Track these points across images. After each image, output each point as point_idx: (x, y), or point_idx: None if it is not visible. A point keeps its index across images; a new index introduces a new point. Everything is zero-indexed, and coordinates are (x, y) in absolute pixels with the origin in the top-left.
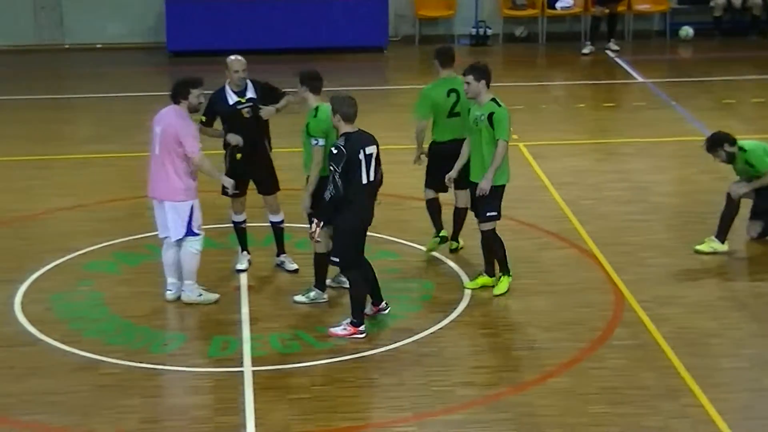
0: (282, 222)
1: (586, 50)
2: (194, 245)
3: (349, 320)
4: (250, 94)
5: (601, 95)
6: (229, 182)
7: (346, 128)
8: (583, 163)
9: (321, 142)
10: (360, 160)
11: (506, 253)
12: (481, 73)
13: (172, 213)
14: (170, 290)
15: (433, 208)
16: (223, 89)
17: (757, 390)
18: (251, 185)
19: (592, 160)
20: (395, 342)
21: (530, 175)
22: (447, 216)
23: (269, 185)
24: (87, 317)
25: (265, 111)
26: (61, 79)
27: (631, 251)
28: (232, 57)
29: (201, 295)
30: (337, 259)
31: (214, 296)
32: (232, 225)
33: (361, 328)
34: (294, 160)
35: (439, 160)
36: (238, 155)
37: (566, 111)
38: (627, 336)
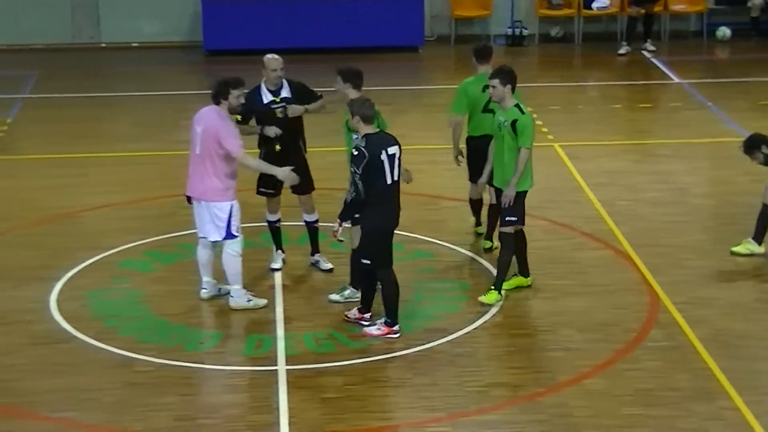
0: (317, 221)
1: (622, 50)
2: (234, 248)
3: (383, 320)
4: (285, 93)
5: (637, 96)
6: (283, 172)
7: (366, 130)
8: (619, 163)
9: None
10: (383, 161)
11: (508, 268)
12: (507, 77)
13: (210, 213)
14: (205, 289)
15: (474, 204)
16: (258, 88)
17: None
18: (286, 184)
19: (627, 160)
20: (429, 342)
21: (565, 176)
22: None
23: (304, 185)
24: (122, 315)
25: (292, 109)
26: (98, 78)
27: (666, 252)
28: (269, 55)
29: (250, 300)
30: (369, 261)
31: (263, 301)
32: (266, 224)
33: (395, 327)
34: (329, 159)
35: (476, 154)
36: (277, 147)
37: (602, 111)
38: (662, 338)
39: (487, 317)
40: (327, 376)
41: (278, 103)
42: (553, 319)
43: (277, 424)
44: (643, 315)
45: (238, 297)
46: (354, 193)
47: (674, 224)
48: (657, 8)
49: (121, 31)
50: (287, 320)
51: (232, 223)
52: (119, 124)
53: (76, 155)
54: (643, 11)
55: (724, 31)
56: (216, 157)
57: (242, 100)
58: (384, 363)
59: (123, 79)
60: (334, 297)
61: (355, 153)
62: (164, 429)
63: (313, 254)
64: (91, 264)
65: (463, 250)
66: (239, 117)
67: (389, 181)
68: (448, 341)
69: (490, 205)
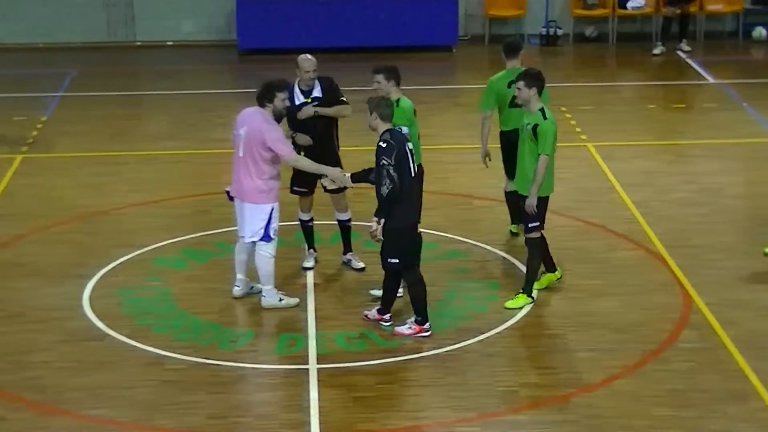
0: (349, 220)
1: (657, 51)
2: (267, 249)
3: (413, 318)
4: (316, 93)
5: (672, 96)
6: (334, 171)
7: (384, 127)
8: (653, 164)
9: (405, 130)
10: (407, 152)
11: (538, 272)
12: (533, 80)
13: (251, 214)
14: (238, 286)
15: (510, 200)
16: (292, 89)
17: None
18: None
19: (661, 161)
20: (460, 341)
21: (599, 176)
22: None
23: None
24: (155, 313)
25: (304, 111)
26: (133, 76)
27: (699, 253)
28: (303, 56)
29: (282, 299)
30: (397, 260)
31: (295, 300)
32: (299, 223)
33: (426, 326)
34: (363, 158)
35: (509, 147)
36: (301, 153)
37: (636, 112)
38: (694, 338)
39: (518, 317)
40: (358, 375)
41: (309, 103)
42: (584, 319)
43: (308, 422)
44: (674, 316)
45: (270, 296)
46: (390, 186)
47: (707, 225)
48: (692, 8)
49: (156, 29)
50: (319, 319)
51: (271, 225)
52: (153, 122)
53: (110, 153)
54: (678, 11)
55: (760, 32)
56: (259, 159)
57: (287, 104)
58: (415, 362)
59: (157, 77)
60: (376, 292)
61: (384, 145)
62: (196, 427)
63: (345, 253)
64: (124, 262)
65: (495, 250)
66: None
67: (412, 174)
68: (479, 341)
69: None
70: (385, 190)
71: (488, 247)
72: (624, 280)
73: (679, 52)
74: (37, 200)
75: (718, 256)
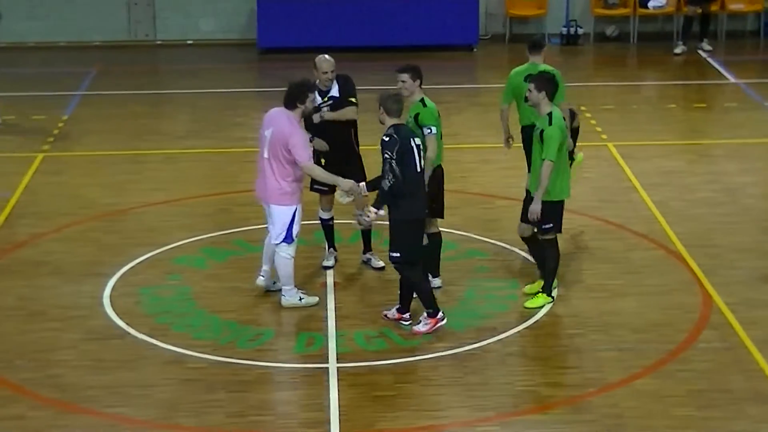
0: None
1: (678, 50)
2: (287, 251)
3: (425, 313)
4: (334, 92)
5: (693, 96)
6: (347, 183)
7: (391, 121)
8: (674, 164)
9: (434, 130)
10: (412, 147)
11: (556, 271)
12: (542, 83)
13: (275, 216)
14: (262, 276)
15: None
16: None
17: None
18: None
19: (682, 161)
20: (480, 341)
21: (619, 176)
22: None
23: (358, 182)
24: (175, 311)
25: (313, 118)
26: (153, 75)
27: (720, 253)
28: (321, 57)
29: (302, 298)
30: (398, 254)
31: (314, 299)
32: (319, 222)
33: (440, 315)
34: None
35: (529, 143)
36: (322, 160)
37: (657, 111)
38: (715, 339)
39: (538, 316)
40: (378, 374)
41: (326, 102)
42: (605, 319)
43: (328, 421)
44: (695, 316)
45: (290, 295)
46: (392, 179)
47: (728, 225)
48: (714, 7)
49: (177, 28)
50: (339, 318)
51: (294, 227)
52: (174, 121)
53: (131, 152)
54: (699, 10)
55: None
56: (284, 161)
57: (315, 103)
58: (434, 362)
59: (178, 76)
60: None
61: (387, 139)
62: (216, 426)
63: (365, 252)
64: (144, 260)
65: (515, 249)
66: None
67: (418, 169)
68: (498, 340)
69: None
70: (386, 184)
71: (508, 247)
72: (644, 280)
73: (700, 52)
74: (58, 199)
75: (739, 256)
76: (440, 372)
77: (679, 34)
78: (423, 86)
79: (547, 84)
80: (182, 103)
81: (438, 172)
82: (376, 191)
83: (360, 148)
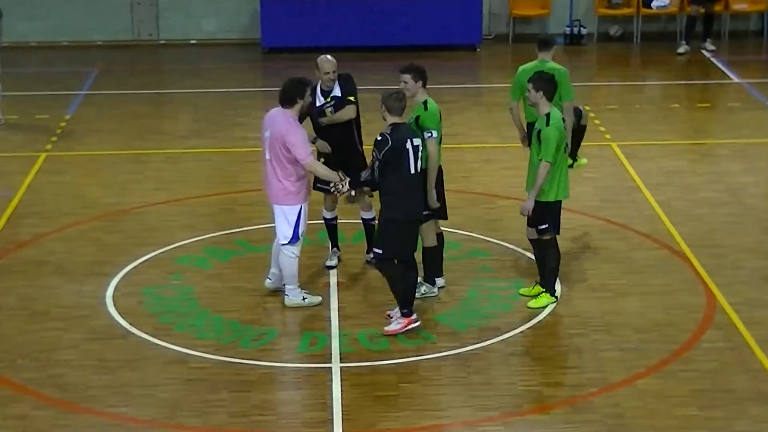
0: (373, 219)
1: (681, 50)
2: (292, 250)
3: (398, 312)
4: (336, 92)
5: (696, 95)
6: (323, 145)
7: (391, 120)
8: (677, 163)
9: (434, 133)
10: (407, 149)
11: (557, 271)
12: (540, 83)
13: (281, 216)
14: (270, 279)
15: None
16: (314, 90)
17: None
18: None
19: (685, 160)
20: (483, 341)
21: (623, 176)
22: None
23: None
24: (177, 311)
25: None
26: (156, 75)
27: (724, 253)
28: (323, 57)
29: (305, 298)
30: (380, 251)
31: (317, 299)
32: (322, 221)
33: (414, 316)
34: None
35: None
36: (322, 159)
37: (660, 111)
38: (718, 339)
39: (541, 316)
40: (381, 374)
41: (329, 102)
42: (608, 318)
43: (331, 421)
44: (698, 316)
45: (293, 295)
46: (369, 176)
47: (731, 225)
48: (717, 7)
49: (180, 28)
50: (342, 318)
51: (299, 227)
52: (176, 121)
53: (134, 152)
54: (702, 10)
55: None
56: (284, 160)
57: (310, 99)
58: (437, 361)
59: (181, 76)
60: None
61: (379, 138)
62: (219, 425)
63: (368, 252)
64: (147, 260)
65: (518, 249)
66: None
67: (412, 171)
68: (502, 340)
69: None
70: (364, 176)
71: (511, 247)
72: (647, 280)
73: (704, 52)
74: (60, 198)
75: (743, 256)
76: (443, 372)
77: (683, 33)
78: (426, 86)
79: (545, 84)
80: (185, 102)
81: (439, 173)
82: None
83: (364, 147)
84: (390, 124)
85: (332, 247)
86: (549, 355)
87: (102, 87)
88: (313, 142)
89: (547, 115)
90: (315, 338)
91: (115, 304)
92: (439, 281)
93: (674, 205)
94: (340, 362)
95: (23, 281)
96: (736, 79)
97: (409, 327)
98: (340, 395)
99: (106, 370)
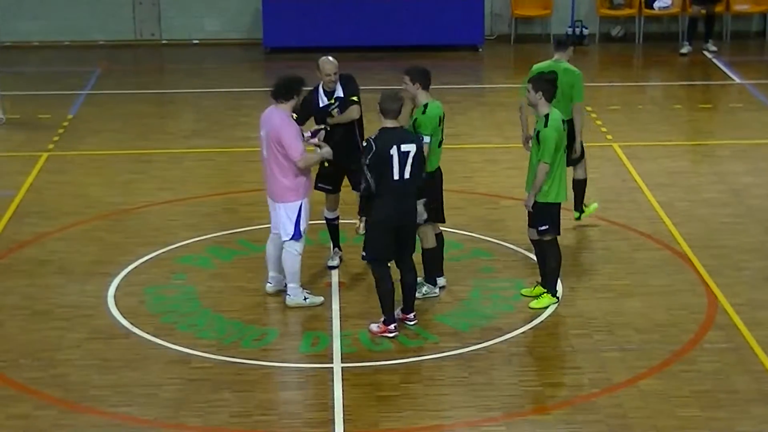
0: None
1: (683, 50)
2: (295, 247)
3: (383, 318)
4: (339, 92)
5: (698, 96)
6: (328, 152)
7: (385, 123)
8: (679, 164)
9: (427, 139)
10: (391, 156)
11: (558, 271)
12: (539, 84)
13: (283, 213)
14: (270, 283)
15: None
16: (316, 90)
17: None
18: (345, 182)
19: (687, 161)
20: (486, 341)
21: (624, 176)
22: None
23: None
24: (180, 311)
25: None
26: (159, 75)
27: (725, 254)
28: (325, 59)
29: (307, 298)
30: (364, 253)
31: (319, 299)
32: (324, 221)
33: (392, 327)
34: None
35: None
36: (326, 164)
37: (662, 112)
38: (720, 339)
39: (543, 317)
40: (383, 374)
41: (333, 104)
42: (610, 319)
43: (332, 421)
44: (700, 316)
45: (295, 295)
46: (365, 185)
47: (733, 225)
48: (719, 8)
49: (182, 28)
50: (344, 318)
51: (301, 222)
52: (179, 120)
53: (136, 151)
54: (704, 11)
55: None
56: (281, 157)
57: (302, 96)
58: (440, 362)
59: (183, 75)
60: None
61: (365, 144)
62: (221, 425)
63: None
64: (149, 260)
65: (520, 250)
66: (294, 116)
67: (395, 177)
68: (504, 340)
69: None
70: (361, 187)
71: (513, 247)
72: (649, 281)
73: (706, 52)
74: (62, 198)
75: (745, 256)
76: (445, 372)
77: (685, 34)
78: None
79: (545, 84)
80: (187, 102)
81: (437, 176)
82: None
83: None
84: (379, 129)
85: (334, 248)
86: (551, 355)
87: (104, 87)
88: (320, 148)
89: (546, 116)
90: (317, 338)
91: (117, 304)
92: (440, 281)
93: (676, 205)
94: (342, 362)
95: (25, 281)
96: (738, 80)
97: (384, 335)
98: (341, 395)
99: (108, 369)
